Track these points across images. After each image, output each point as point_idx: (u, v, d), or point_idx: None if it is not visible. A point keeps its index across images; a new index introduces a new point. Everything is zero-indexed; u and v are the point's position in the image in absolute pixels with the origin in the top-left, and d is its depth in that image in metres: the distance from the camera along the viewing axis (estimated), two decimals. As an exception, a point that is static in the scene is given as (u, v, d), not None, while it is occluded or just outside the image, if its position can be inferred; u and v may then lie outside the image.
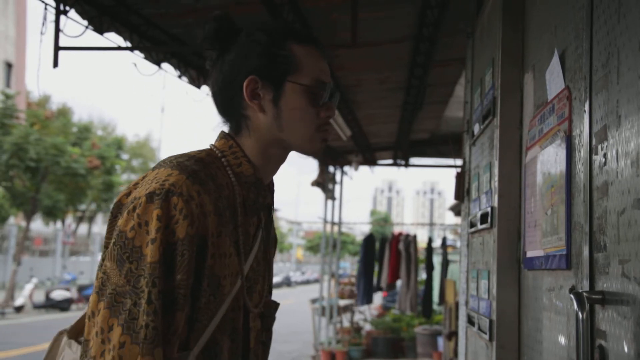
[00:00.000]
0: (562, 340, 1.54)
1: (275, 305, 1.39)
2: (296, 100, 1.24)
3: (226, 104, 1.28)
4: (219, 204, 1.16)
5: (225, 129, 1.31)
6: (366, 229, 30.93)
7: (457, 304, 6.47)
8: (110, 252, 1.10)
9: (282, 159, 1.31)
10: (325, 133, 1.29)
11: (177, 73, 4.96)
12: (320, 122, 1.27)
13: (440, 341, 8.60)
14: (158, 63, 4.68)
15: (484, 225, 2.35)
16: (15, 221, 24.83)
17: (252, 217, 1.26)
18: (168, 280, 1.08)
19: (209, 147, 1.28)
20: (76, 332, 1.26)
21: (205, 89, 5.34)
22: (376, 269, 10.83)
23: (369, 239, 11.03)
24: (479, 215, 2.48)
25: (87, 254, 29.74)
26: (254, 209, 1.26)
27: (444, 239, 10.48)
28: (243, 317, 1.24)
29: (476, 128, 2.73)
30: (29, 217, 19.90)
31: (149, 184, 1.12)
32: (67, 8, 3.89)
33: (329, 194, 9.90)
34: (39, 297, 18.48)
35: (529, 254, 1.88)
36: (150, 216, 1.08)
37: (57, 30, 3.93)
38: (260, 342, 1.31)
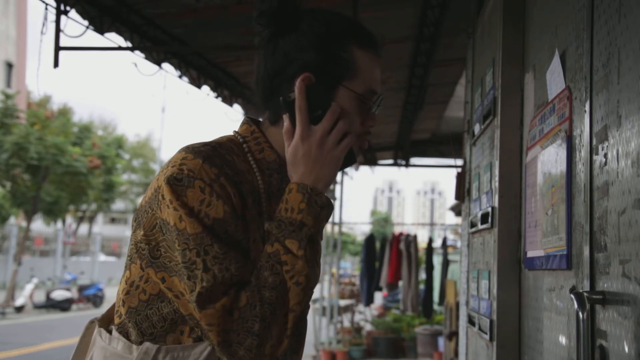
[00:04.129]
0: (562, 340, 1.54)
1: None
2: (347, 106, 1.20)
3: (271, 92, 1.23)
4: (241, 188, 1.15)
5: (254, 114, 1.30)
6: (367, 229, 30.93)
7: (457, 304, 6.47)
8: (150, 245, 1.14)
9: None
10: (364, 142, 1.27)
11: (178, 73, 4.96)
12: (363, 130, 1.25)
13: (441, 341, 8.60)
14: (159, 63, 4.69)
15: (484, 225, 2.35)
16: (16, 221, 24.83)
17: (276, 204, 1.23)
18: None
19: (232, 133, 1.27)
20: (107, 321, 1.27)
21: (206, 89, 5.35)
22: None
23: (370, 239, 11.04)
24: (479, 215, 2.48)
25: (87, 254, 29.71)
26: (278, 196, 1.23)
27: (445, 239, 10.48)
28: None
29: (477, 128, 2.73)
30: (29, 217, 19.91)
31: (166, 169, 1.14)
32: (68, 8, 3.90)
33: (330, 194, 9.90)
34: (40, 297, 18.47)
35: (530, 254, 1.88)
36: (181, 202, 1.09)
37: (58, 30, 3.93)
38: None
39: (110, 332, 1.22)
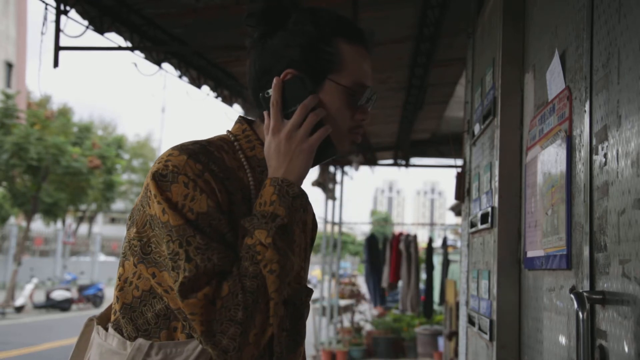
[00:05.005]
0: (562, 340, 1.54)
1: (307, 292, 1.35)
2: (333, 100, 1.21)
3: (260, 91, 1.24)
4: (228, 184, 1.16)
5: (253, 114, 1.30)
6: (367, 229, 30.94)
7: (457, 304, 6.47)
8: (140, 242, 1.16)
9: None
10: (356, 136, 1.27)
11: (178, 73, 4.96)
12: (353, 124, 1.25)
13: (441, 341, 8.60)
14: (158, 63, 4.68)
15: (484, 225, 2.35)
16: (15, 221, 24.83)
17: None
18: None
19: (225, 132, 1.28)
20: (105, 319, 1.29)
21: (206, 89, 5.35)
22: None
23: (371, 239, 11.04)
24: (479, 215, 2.48)
25: (87, 254, 29.72)
26: None
27: (445, 239, 10.48)
28: None
29: (477, 128, 2.73)
30: (29, 217, 19.91)
31: (153, 166, 1.16)
32: (68, 8, 3.90)
33: (330, 194, 9.89)
34: (40, 297, 18.48)
35: (530, 254, 1.88)
36: (165, 196, 1.11)
37: (58, 30, 3.93)
38: (284, 329, 1.27)
39: (107, 329, 1.24)
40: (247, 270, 1.09)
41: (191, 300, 1.06)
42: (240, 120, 1.30)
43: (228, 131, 1.28)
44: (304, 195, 1.18)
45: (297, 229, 1.17)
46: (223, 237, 1.12)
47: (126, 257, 1.21)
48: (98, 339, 1.24)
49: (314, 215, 1.44)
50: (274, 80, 1.20)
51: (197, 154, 1.15)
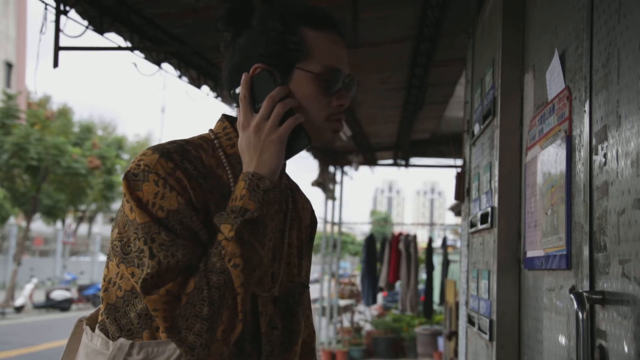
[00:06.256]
0: (562, 340, 1.54)
1: (300, 289, 1.33)
2: (305, 88, 1.20)
3: (233, 89, 1.24)
4: (205, 183, 1.16)
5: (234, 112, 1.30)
6: (366, 229, 30.93)
7: (457, 304, 6.47)
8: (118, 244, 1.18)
9: None
10: (336, 123, 1.24)
11: (178, 73, 4.95)
12: (332, 111, 1.22)
13: (441, 341, 8.60)
14: (158, 63, 4.68)
15: (484, 225, 2.35)
16: (15, 221, 24.83)
17: None
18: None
19: (207, 131, 1.29)
20: (95, 320, 1.29)
21: (206, 89, 5.35)
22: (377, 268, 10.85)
23: (370, 239, 11.05)
24: (479, 215, 2.48)
25: (87, 254, 29.73)
26: None
27: (444, 239, 10.49)
28: (250, 300, 1.20)
29: (476, 128, 2.73)
30: (29, 217, 19.91)
31: (129, 166, 1.16)
32: (68, 8, 3.89)
33: (329, 194, 9.90)
34: (39, 297, 18.49)
35: (529, 254, 1.88)
36: (134, 196, 1.12)
37: (58, 30, 3.93)
38: (274, 327, 1.25)
39: (94, 330, 1.25)
40: (214, 266, 1.08)
41: (153, 297, 1.06)
42: (222, 118, 1.29)
43: (210, 130, 1.28)
44: (275, 189, 1.16)
45: (272, 223, 1.16)
46: (195, 234, 1.11)
47: (110, 258, 1.21)
48: (85, 339, 1.25)
49: (312, 211, 1.43)
50: (243, 76, 1.19)
51: (170, 153, 1.14)
